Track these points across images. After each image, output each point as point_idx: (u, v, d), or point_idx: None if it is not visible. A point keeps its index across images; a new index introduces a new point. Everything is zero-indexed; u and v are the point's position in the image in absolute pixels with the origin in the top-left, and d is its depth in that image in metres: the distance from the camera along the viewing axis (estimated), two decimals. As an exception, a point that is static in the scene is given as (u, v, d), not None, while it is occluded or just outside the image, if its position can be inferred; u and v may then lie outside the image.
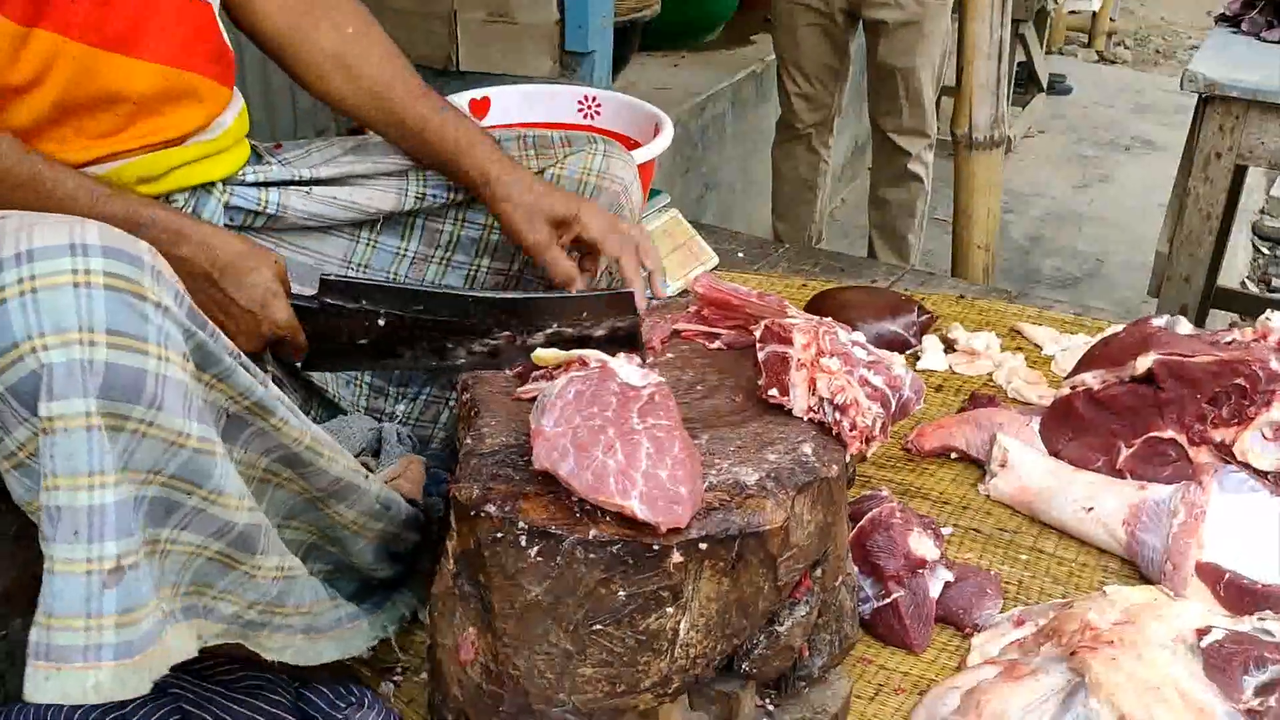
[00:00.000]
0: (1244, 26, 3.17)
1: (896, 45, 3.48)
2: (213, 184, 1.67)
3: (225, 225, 1.69)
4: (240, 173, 1.71)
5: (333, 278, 1.60)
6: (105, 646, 1.17)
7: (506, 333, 1.67)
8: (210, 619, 1.31)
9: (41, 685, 1.16)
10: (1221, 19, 3.28)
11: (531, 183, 1.73)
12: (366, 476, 1.52)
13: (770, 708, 1.53)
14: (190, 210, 1.65)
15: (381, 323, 1.63)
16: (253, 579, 1.35)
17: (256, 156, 1.78)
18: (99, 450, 1.13)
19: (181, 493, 1.22)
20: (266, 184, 1.72)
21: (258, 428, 1.34)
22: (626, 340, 1.68)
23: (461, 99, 2.59)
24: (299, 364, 1.70)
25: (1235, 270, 4.73)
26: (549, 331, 1.68)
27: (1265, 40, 3.09)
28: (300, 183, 1.74)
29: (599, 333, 1.68)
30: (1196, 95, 2.86)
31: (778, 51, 3.74)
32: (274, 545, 1.37)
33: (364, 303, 1.61)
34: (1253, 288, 4.84)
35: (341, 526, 1.52)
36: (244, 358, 1.31)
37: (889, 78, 3.55)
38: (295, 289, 1.61)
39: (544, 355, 1.49)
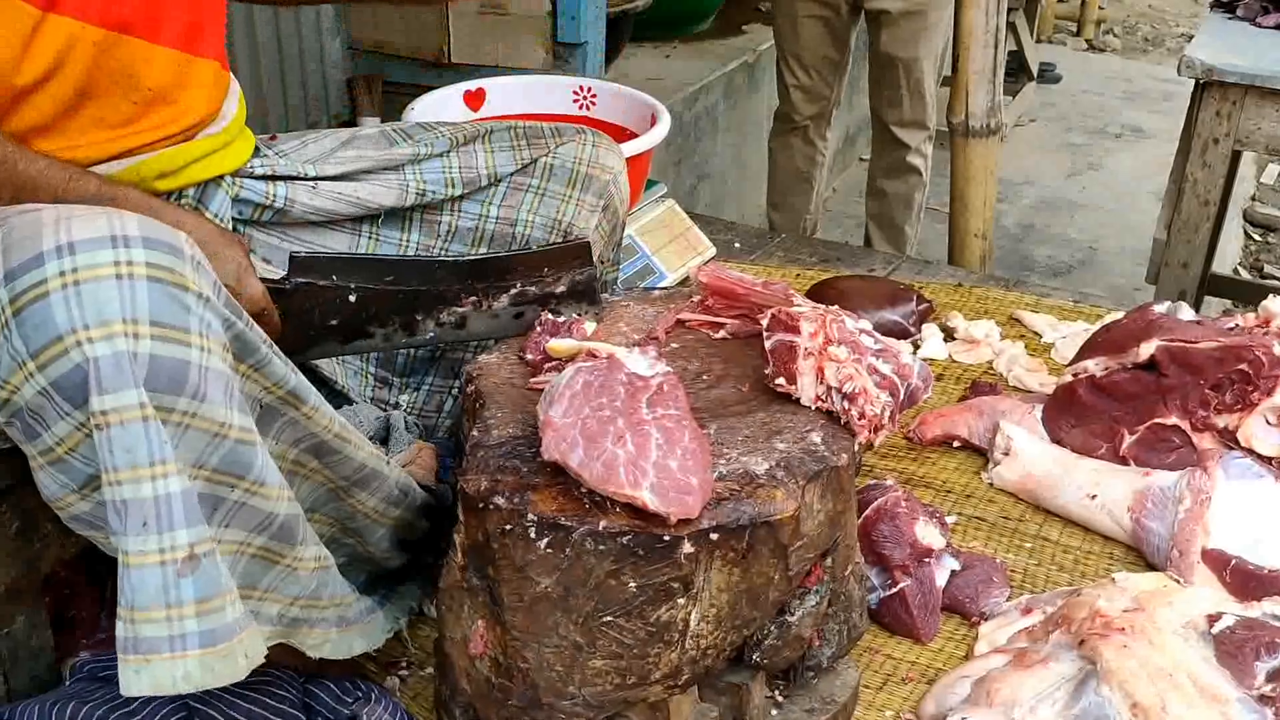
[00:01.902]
0: (1239, 12, 3.16)
1: (900, 35, 3.45)
2: (221, 177, 1.66)
3: (233, 219, 1.70)
4: (248, 165, 1.71)
5: (302, 254, 1.58)
6: (189, 635, 1.17)
7: (472, 298, 1.66)
8: (259, 622, 1.30)
9: (133, 679, 1.16)
10: (1216, 5, 3.27)
11: None
12: (387, 462, 1.52)
13: (780, 698, 1.53)
14: (197, 203, 1.64)
15: (353, 299, 1.59)
16: (294, 572, 1.34)
17: (255, 149, 1.76)
18: (158, 440, 1.13)
19: (225, 487, 1.22)
20: (273, 177, 1.72)
21: (290, 417, 1.34)
22: (585, 293, 1.69)
23: (457, 90, 2.58)
24: None
25: (1228, 257, 4.72)
26: (514, 293, 1.67)
27: (1260, 26, 3.09)
28: (306, 178, 1.74)
29: (560, 289, 1.68)
30: (1193, 81, 2.85)
31: (778, 43, 3.71)
32: (310, 536, 1.37)
33: (335, 278, 1.58)
34: (1245, 274, 4.84)
35: (363, 515, 1.52)
36: (276, 347, 1.30)
37: (891, 68, 3.52)
38: (264, 270, 1.58)
39: (557, 346, 1.48)
